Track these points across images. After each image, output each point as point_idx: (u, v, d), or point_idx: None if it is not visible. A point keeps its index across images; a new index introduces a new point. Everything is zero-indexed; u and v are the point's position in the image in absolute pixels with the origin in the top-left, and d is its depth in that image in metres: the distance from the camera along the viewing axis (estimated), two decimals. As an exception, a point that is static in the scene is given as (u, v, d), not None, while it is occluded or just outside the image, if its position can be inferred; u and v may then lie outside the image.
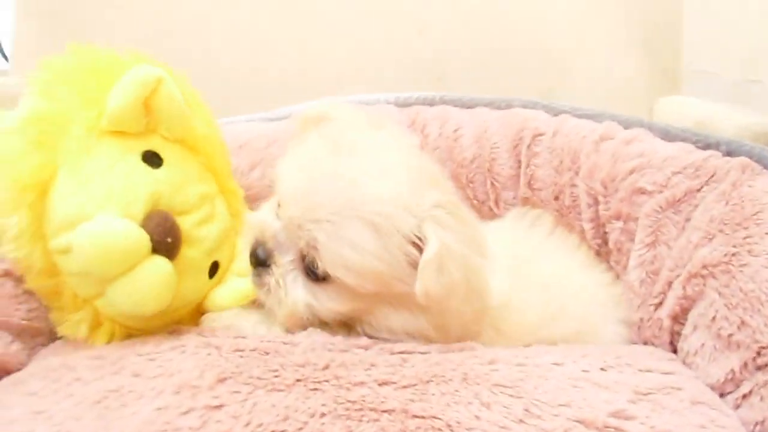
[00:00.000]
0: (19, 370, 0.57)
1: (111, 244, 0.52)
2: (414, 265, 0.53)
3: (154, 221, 0.56)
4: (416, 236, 0.53)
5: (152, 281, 0.55)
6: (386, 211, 0.53)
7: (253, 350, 0.54)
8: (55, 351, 0.59)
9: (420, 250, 0.53)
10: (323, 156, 0.58)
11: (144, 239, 0.54)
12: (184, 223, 0.60)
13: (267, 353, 0.54)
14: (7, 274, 0.61)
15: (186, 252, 0.59)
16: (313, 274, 0.56)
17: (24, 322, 0.60)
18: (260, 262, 0.58)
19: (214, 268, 0.63)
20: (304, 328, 0.58)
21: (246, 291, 0.63)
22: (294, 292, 0.58)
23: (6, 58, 1.30)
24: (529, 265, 0.69)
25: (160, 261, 0.55)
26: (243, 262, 0.63)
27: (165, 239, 0.56)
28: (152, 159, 0.60)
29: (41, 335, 0.61)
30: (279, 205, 0.59)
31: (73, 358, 0.55)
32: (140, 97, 0.57)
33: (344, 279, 0.54)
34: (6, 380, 0.55)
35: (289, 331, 0.59)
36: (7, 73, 1.16)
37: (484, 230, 0.61)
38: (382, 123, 0.64)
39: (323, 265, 0.55)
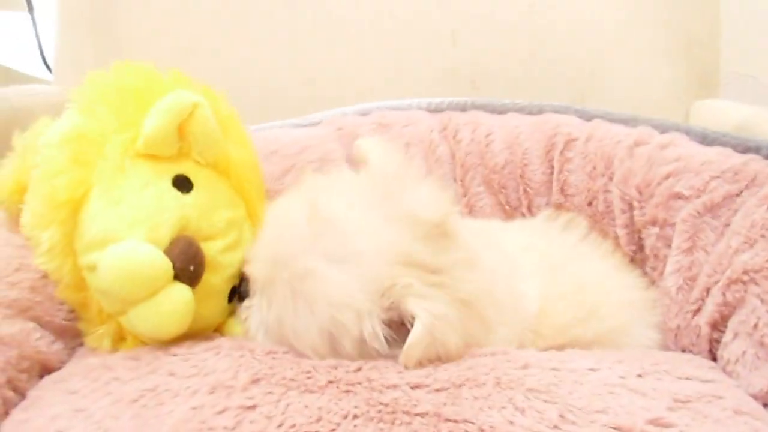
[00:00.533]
0: (59, 368, 0.58)
1: (135, 269, 0.53)
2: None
3: (179, 248, 0.56)
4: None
5: (172, 308, 0.55)
6: (339, 317, 0.52)
7: (286, 353, 0.55)
8: (94, 350, 0.60)
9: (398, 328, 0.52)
10: (299, 223, 0.57)
11: (167, 267, 0.54)
12: (210, 249, 0.60)
13: (299, 357, 0.54)
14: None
15: (208, 278, 0.59)
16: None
17: (65, 322, 0.61)
18: (242, 297, 0.62)
19: (233, 292, 0.63)
20: None
21: None
22: (255, 334, 0.60)
23: (49, 68, 1.34)
24: (564, 268, 0.68)
25: (181, 288, 0.55)
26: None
27: (188, 267, 0.56)
28: (183, 183, 0.60)
29: (81, 336, 0.62)
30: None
31: (111, 358, 0.56)
32: (175, 123, 0.58)
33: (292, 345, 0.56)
34: (48, 378, 0.56)
35: None
36: (50, 82, 1.20)
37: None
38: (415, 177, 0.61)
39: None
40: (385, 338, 0.52)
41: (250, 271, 0.61)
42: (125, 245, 0.54)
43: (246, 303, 0.61)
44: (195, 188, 0.61)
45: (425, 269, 0.54)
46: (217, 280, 0.60)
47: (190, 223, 0.58)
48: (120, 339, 0.60)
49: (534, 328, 0.61)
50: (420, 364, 0.51)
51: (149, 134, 0.58)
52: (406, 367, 0.51)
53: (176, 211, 0.58)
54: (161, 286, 0.54)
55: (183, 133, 0.60)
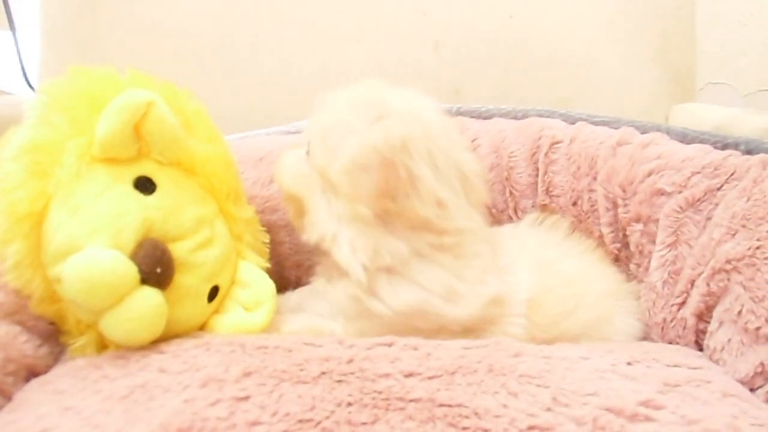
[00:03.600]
0: (45, 372, 0.57)
1: (97, 277, 0.51)
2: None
3: (144, 251, 0.55)
4: None
5: (142, 313, 0.53)
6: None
7: (277, 347, 0.54)
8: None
9: None
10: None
11: (131, 271, 0.53)
12: (179, 249, 0.58)
13: (290, 350, 0.54)
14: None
15: (181, 279, 0.58)
16: None
17: (51, 326, 0.60)
18: None
19: (213, 292, 0.62)
20: None
21: (250, 326, 0.62)
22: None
23: (32, 86, 1.34)
24: (553, 265, 0.70)
25: (150, 292, 0.54)
26: (251, 290, 0.64)
27: (154, 270, 0.54)
28: (145, 185, 0.58)
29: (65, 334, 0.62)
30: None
31: (98, 358, 0.55)
32: (129, 123, 0.56)
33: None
34: (34, 381, 0.55)
35: None
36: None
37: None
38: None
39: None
40: None
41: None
42: (85, 253, 0.52)
43: None
44: (158, 189, 0.59)
45: None
46: (191, 281, 0.59)
47: (155, 225, 0.57)
48: (102, 347, 0.58)
49: (528, 314, 0.62)
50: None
51: (102, 138, 0.56)
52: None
53: (139, 214, 0.56)
54: (127, 291, 0.53)
55: (139, 133, 0.58)
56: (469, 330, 0.60)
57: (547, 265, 0.68)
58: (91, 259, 0.52)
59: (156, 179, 0.59)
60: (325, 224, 0.62)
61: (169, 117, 0.58)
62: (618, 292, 0.72)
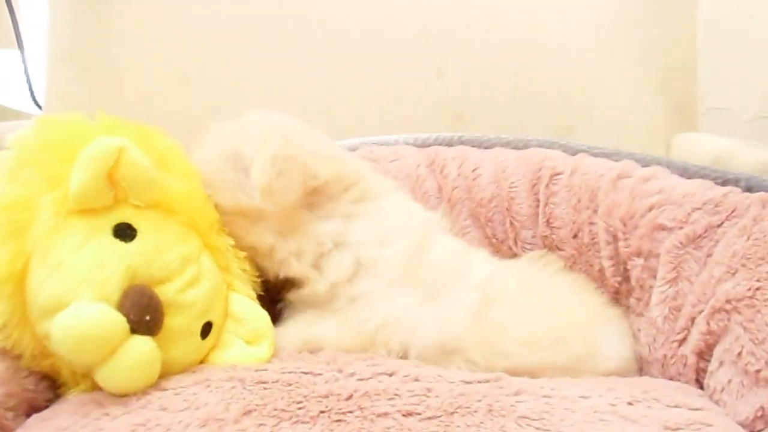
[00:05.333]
0: (46, 407, 0.57)
1: (86, 334, 0.50)
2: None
3: (130, 300, 0.54)
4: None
5: (135, 363, 0.53)
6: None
7: (276, 382, 0.55)
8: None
9: None
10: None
11: (120, 323, 0.52)
12: (167, 291, 0.58)
13: (290, 384, 0.54)
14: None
15: (172, 321, 0.57)
16: None
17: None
18: None
19: (207, 328, 0.61)
20: None
21: (255, 361, 0.62)
22: None
23: (39, 105, 1.35)
24: (541, 294, 0.72)
25: (140, 341, 0.53)
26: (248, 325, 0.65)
27: (143, 318, 0.54)
28: (125, 232, 0.57)
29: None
30: None
31: (100, 395, 0.55)
32: (102, 173, 0.55)
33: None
34: (35, 417, 0.55)
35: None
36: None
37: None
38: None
39: None
40: None
41: None
42: (71, 310, 0.51)
43: None
44: (139, 233, 0.58)
45: None
46: (182, 321, 0.58)
47: (139, 271, 0.56)
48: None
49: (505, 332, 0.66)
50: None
51: (76, 190, 0.54)
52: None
53: (121, 263, 0.55)
54: (118, 343, 0.52)
55: (114, 180, 0.56)
56: None
57: (535, 294, 0.72)
58: (78, 316, 0.51)
59: (136, 224, 0.58)
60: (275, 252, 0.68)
61: (142, 160, 0.57)
62: (604, 320, 0.73)
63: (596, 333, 0.70)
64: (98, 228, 0.56)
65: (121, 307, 0.53)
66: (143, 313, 0.54)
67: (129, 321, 0.53)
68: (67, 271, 0.54)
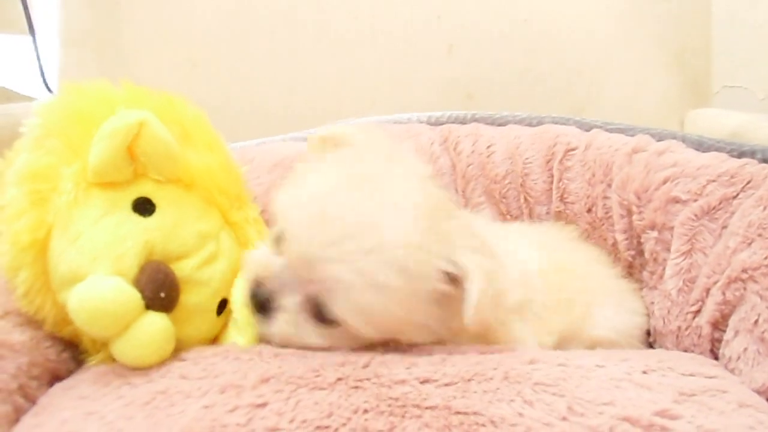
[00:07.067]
0: (68, 376, 0.58)
1: (101, 307, 0.51)
2: (438, 303, 0.53)
3: (147, 276, 0.54)
4: (446, 273, 0.52)
5: (148, 339, 0.53)
6: (414, 253, 0.51)
7: (293, 355, 0.55)
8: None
9: (452, 283, 0.52)
10: (337, 188, 0.54)
11: (135, 299, 0.52)
12: (184, 268, 0.57)
13: (305, 356, 0.54)
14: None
15: (188, 298, 0.57)
16: (321, 315, 0.54)
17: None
18: (261, 304, 0.56)
19: (222, 305, 0.61)
20: None
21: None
22: (306, 338, 0.55)
23: (50, 90, 1.36)
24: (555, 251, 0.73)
25: (155, 318, 0.53)
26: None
27: (158, 294, 0.54)
28: (144, 206, 0.57)
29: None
30: (280, 240, 0.56)
31: (119, 366, 0.56)
32: (121, 147, 0.55)
33: (357, 326, 0.52)
34: (57, 386, 0.56)
35: None
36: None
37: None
38: (397, 154, 0.62)
39: (337, 310, 0.52)
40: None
41: (278, 266, 0.55)
42: (87, 283, 0.51)
43: (279, 313, 0.56)
44: (158, 209, 0.58)
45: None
46: (198, 298, 0.58)
47: (157, 247, 0.56)
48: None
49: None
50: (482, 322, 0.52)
51: (95, 164, 0.54)
52: (481, 325, 0.52)
53: (139, 238, 0.55)
54: (132, 318, 0.52)
55: (134, 154, 0.56)
56: None
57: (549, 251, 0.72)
58: (93, 289, 0.51)
59: (155, 199, 0.58)
60: None
61: (163, 134, 0.56)
62: (614, 289, 0.74)
63: (596, 301, 0.71)
64: (117, 202, 0.57)
65: (137, 282, 0.53)
66: (159, 289, 0.54)
67: (144, 297, 0.53)
68: (85, 244, 0.54)
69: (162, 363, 0.55)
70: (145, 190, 0.58)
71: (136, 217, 0.57)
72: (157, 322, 0.53)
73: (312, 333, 0.55)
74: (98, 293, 0.51)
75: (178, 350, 0.56)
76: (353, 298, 0.51)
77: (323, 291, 0.52)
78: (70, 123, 0.57)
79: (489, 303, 0.51)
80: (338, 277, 0.50)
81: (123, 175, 0.57)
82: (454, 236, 0.53)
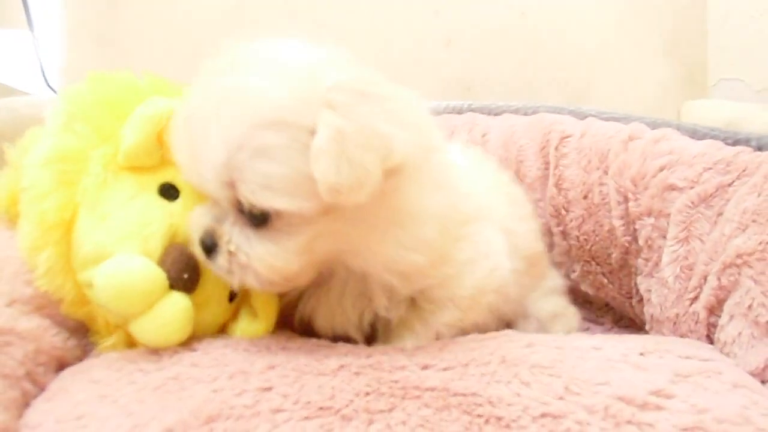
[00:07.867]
0: (74, 364, 0.59)
1: (129, 284, 0.53)
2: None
3: (171, 257, 0.56)
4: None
5: (171, 319, 0.55)
6: (283, 104, 0.48)
7: (299, 348, 0.57)
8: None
9: None
10: (199, 99, 0.52)
11: (161, 278, 0.55)
12: None
13: (311, 350, 0.56)
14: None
15: (205, 283, 0.59)
16: (256, 220, 0.51)
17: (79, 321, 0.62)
18: (210, 248, 0.54)
19: (234, 293, 0.62)
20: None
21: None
22: (252, 250, 0.52)
23: (50, 86, 1.36)
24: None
25: (178, 298, 0.55)
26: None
27: (182, 275, 0.56)
28: (169, 191, 0.60)
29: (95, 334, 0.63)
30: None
31: (132, 353, 0.57)
32: (152, 133, 0.58)
33: (274, 204, 0.49)
34: (68, 371, 0.57)
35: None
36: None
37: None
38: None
39: (250, 195, 0.49)
40: None
41: (205, 210, 0.54)
42: (116, 260, 0.54)
43: (222, 242, 0.53)
44: (182, 194, 0.60)
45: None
46: (214, 284, 0.60)
47: (180, 230, 0.58)
48: (131, 345, 0.59)
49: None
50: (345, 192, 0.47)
51: (128, 148, 0.58)
52: (329, 190, 0.47)
53: (164, 221, 0.58)
54: (158, 297, 0.54)
55: (162, 141, 0.59)
56: None
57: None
58: (122, 267, 0.54)
59: (179, 185, 0.61)
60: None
61: None
62: None
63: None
64: (145, 185, 0.59)
65: (162, 263, 0.56)
66: (182, 270, 0.56)
67: (168, 277, 0.55)
68: (113, 224, 0.56)
69: (174, 351, 0.56)
70: (169, 176, 0.61)
71: (162, 201, 0.59)
72: (180, 301, 0.56)
73: (256, 244, 0.52)
74: (126, 271, 0.54)
75: (190, 338, 0.58)
76: (253, 178, 0.48)
77: (235, 190, 0.50)
78: (99, 109, 0.60)
79: (335, 166, 0.46)
80: (233, 170, 0.48)
81: (152, 161, 0.60)
82: (332, 95, 0.48)
